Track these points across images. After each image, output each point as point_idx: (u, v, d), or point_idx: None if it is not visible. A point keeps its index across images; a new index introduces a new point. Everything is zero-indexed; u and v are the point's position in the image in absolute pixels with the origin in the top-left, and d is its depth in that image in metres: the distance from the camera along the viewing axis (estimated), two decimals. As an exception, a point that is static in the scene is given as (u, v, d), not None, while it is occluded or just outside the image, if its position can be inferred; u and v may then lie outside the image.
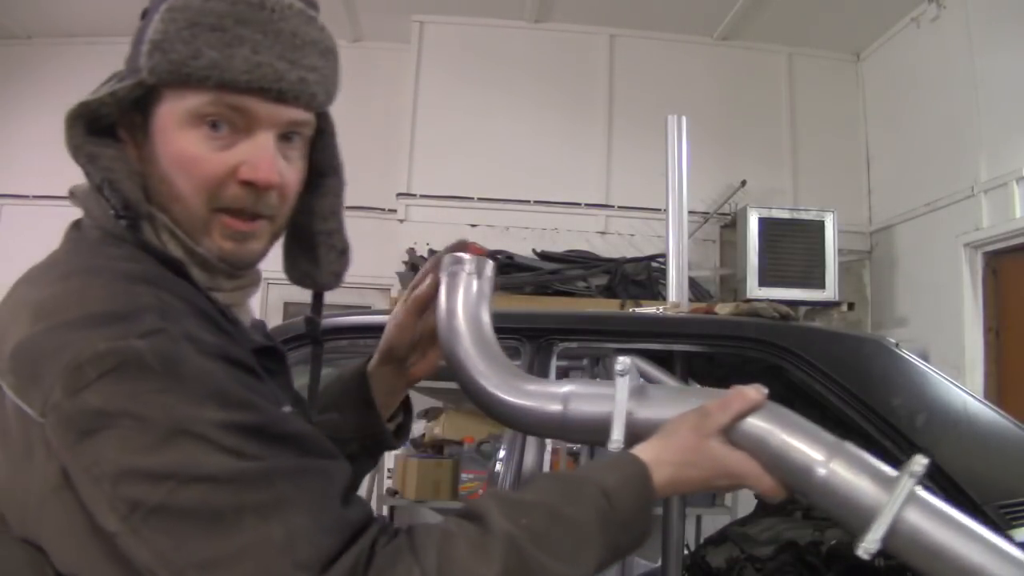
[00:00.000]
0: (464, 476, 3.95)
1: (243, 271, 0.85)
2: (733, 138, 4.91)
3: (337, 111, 0.91)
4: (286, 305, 4.86)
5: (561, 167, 4.87)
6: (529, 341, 1.55)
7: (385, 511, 4.02)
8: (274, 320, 4.58)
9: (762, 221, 4.45)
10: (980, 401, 1.56)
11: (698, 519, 4.03)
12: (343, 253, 0.93)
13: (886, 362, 1.56)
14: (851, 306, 4.56)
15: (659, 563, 1.75)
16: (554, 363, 1.54)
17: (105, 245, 0.78)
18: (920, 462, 0.73)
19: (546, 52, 5.00)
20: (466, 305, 0.96)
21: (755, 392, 0.81)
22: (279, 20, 0.79)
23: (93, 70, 0.92)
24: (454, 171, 4.77)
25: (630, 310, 2.25)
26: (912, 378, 1.55)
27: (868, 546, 0.72)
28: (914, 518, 0.72)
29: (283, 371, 0.88)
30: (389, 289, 4.48)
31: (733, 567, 2.05)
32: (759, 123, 5.04)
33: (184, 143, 0.78)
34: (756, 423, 0.78)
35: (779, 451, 0.77)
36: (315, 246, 0.92)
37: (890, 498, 0.71)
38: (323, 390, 1.02)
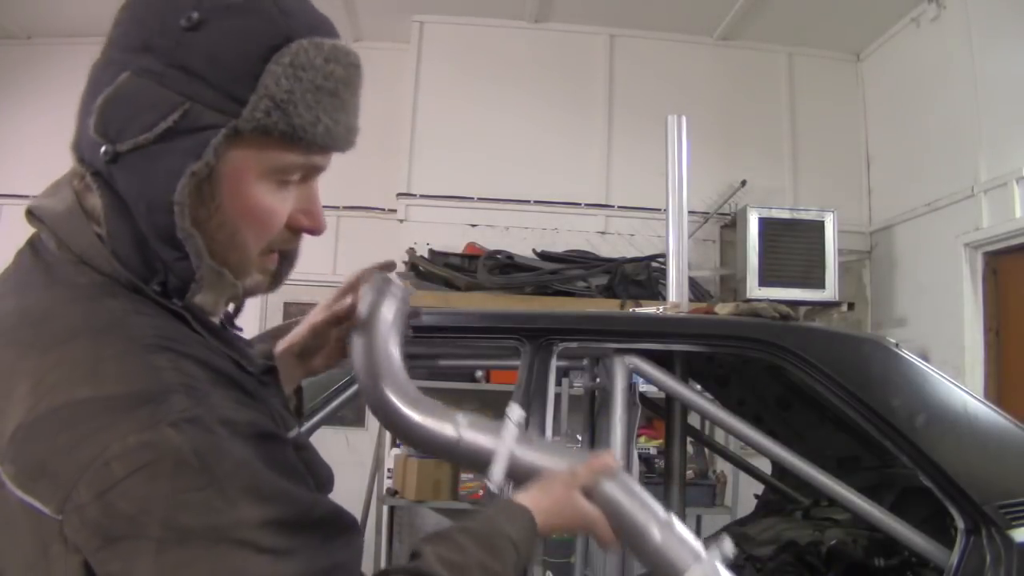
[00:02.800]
0: (464, 476, 3.96)
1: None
2: (733, 138, 4.91)
3: (337, 111, 0.90)
4: (286, 305, 4.86)
5: (561, 167, 4.87)
6: (529, 341, 1.55)
7: (385, 511, 4.03)
8: (274, 320, 4.58)
9: (762, 221, 4.45)
10: (980, 401, 1.56)
11: (698, 519, 4.03)
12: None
13: (886, 362, 1.56)
14: (851, 306, 4.56)
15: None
16: (554, 363, 1.54)
17: (100, 293, 0.70)
18: (728, 545, 0.94)
19: (546, 52, 5.01)
20: (383, 326, 1.02)
21: (612, 460, 0.96)
22: (359, 79, 0.78)
23: (93, 70, 0.91)
24: (454, 171, 4.78)
25: (630, 310, 2.25)
26: (912, 378, 1.55)
27: None
28: None
29: (276, 384, 0.87)
30: (389, 289, 4.48)
31: (733, 567, 2.04)
32: (759, 123, 5.04)
33: (261, 195, 0.74)
34: (609, 488, 0.95)
35: (623, 515, 0.94)
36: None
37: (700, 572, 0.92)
38: None
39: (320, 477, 0.84)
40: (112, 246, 0.72)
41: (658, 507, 0.96)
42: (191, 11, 0.70)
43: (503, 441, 0.98)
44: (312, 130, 0.73)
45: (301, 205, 0.78)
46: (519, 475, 0.97)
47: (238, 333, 0.89)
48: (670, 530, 0.94)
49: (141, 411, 0.60)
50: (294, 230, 0.79)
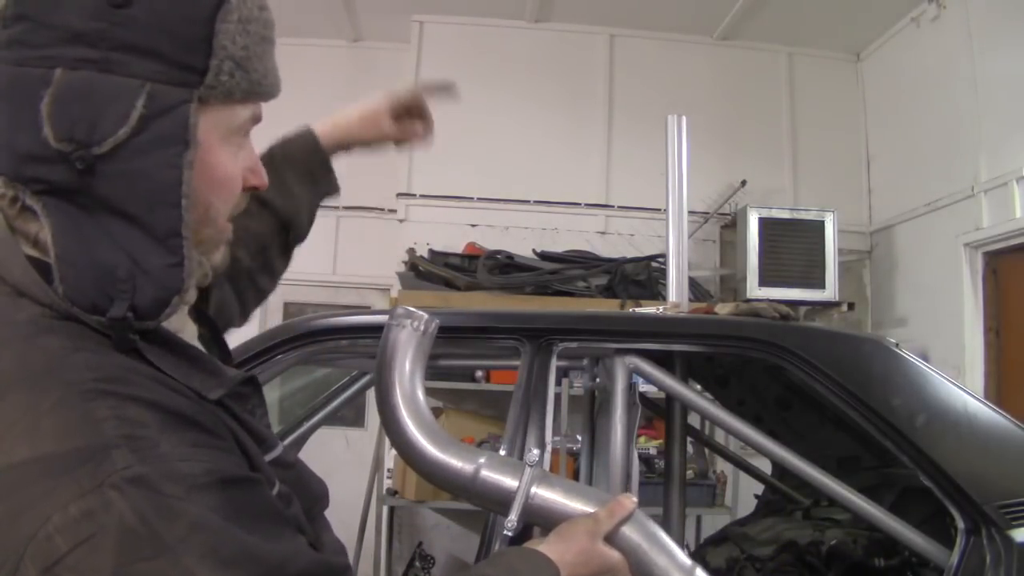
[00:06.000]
0: (464, 476, 3.95)
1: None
2: (733, 138, 4.91)
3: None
4: (286, 305, 4.86)
5: (561, 167, 4.87)
6: (529, 341, 1.55)
7: (385, 511, 4.03)
8: (275, 320, 4.58)
9: (762, 221, 4.45)
10: (980, 401, 1.56)
11: (698, 519, 4.02)
12: None
13: (886, 362, 1.56)
14: (851, 306, 4.56)
15: (659, 563, 1.75)
16: (554, 363, 1.54)
17: (37, 330, 0.64)
18: None
19: (546, 52, 5.00)
20: (405, 361, 1.04)
21: (631, 502, 0.95)
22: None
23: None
24: (454, 171, 4.77)
25: (630, 310, 2.25)
26: (912, 378, 1.55)
27: None
28: None
29: (257, 393, 0.81)
30: (389, 289, 4.48)
31: (733, 567, 2.05)
32: (759, 123, 5.04)
33: (226, 161, 0.71)
34: (630, 534, 0.93)
35: (646, 562, 0.93)
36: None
37: None
38: (283, 166, 1.07)
39: (311, 494, 0.81)
40: (61, 271, 0.64)
41: (680, 553, 0.94)
42: None
43: (520, 486, 0.96)
44: (266, 82, 0.72)
45: (246, 163, 0.75)
46: (537, 518, 0.96)
47: (208, 346, 0.83)
48: None
49: (81, 472, 0.56)
50: (243, 190, 0.76)
